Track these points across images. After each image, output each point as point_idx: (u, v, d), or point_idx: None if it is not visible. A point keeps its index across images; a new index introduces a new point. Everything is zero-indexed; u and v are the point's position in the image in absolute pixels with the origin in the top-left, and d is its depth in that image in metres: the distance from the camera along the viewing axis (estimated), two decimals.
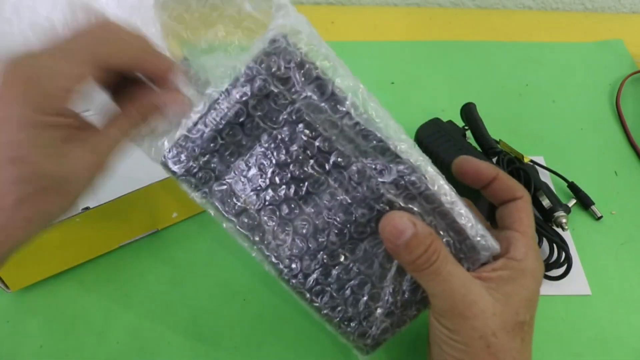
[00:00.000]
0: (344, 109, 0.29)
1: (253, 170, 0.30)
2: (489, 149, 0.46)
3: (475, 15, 0.70)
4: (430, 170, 0.29)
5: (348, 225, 0.29)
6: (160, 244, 0.44)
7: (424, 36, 0.66)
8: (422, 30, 0.67)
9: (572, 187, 0.48)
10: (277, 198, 0.30)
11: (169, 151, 0.30)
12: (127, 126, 0.29)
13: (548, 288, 0.42)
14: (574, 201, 0.47)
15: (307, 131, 0.29)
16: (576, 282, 0.42)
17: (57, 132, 0.25)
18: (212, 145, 0.29)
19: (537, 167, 0.48)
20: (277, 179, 0.30)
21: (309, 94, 0.29)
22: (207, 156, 0.30)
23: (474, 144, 0.47)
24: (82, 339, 0.39)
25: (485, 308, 0.28)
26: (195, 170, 0.30)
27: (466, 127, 0.49)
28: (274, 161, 0.29)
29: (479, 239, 0.29)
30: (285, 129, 0.29)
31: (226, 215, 0.30)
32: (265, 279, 0.42)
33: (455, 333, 0.28)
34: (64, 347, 0.38)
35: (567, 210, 0.44)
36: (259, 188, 0.30)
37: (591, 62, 0.62)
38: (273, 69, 0.28)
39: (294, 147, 0.29)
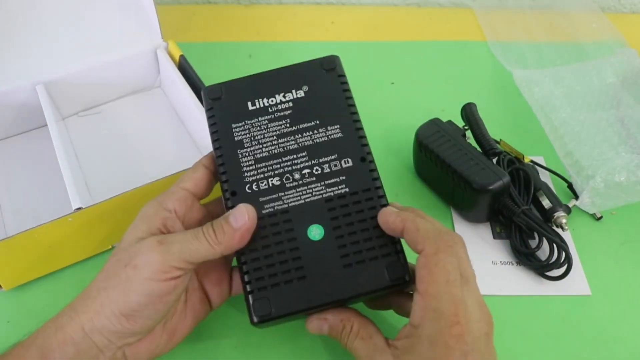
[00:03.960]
0: None
1: None
2: (489, 149, 0.46)
3: (475, 15, 0.70)
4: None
5: None
6: None
7: (423, 36, 0.66)
8: (422, 30, 0.67)
9: (572, 187, 0.48)
10: None
11: None
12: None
13: (548, 288, 0.42)
14: (574, 201, 0.47)
15: None
16: (576, 282, 0.42)
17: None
18: None
19: (537, 167, 0.48)
20: None
21: None
22: None
23: (474, 144, 0.47)
24: None
25: None
26: None
27: (466, 127, 0.49)
28: None
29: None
30: None
31: None
32: None
33: None
34: None
35: (568, 210, 0.44)
36: None
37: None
38: None
39: None
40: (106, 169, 0.48)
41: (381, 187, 0.33)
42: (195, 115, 0.47)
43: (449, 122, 0.48)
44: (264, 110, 0.35)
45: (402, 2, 0.73)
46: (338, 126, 0.34)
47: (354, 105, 0.35)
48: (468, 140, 0.46)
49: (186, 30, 0.65)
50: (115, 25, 0.52)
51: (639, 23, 0.71)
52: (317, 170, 0.34)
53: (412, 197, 0.48)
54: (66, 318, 0.30)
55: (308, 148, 0.34)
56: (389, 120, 0.55)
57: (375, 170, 0.34)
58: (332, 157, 0.34)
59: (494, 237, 0.45)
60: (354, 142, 0.34)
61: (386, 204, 0.33)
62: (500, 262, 0.43)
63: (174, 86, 0.51)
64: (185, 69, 0.50)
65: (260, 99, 0.35)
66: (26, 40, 0.50)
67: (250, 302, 0.31)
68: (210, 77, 0.49)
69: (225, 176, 0.34)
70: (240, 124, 0.35)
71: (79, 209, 0.38)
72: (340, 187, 0.33)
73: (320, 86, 0.35)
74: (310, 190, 0.33)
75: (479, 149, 0.47)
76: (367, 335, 0.31)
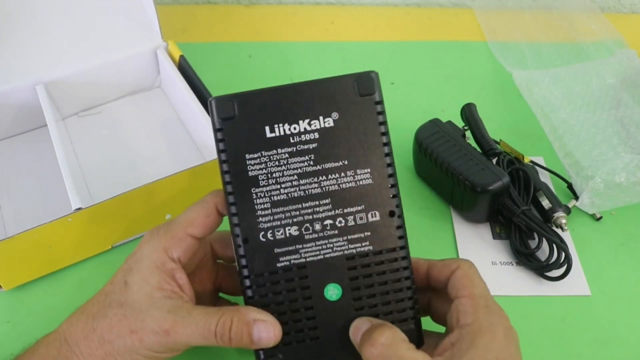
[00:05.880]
0: None
1: None
2: (488, 149, 0.46)
3: (474, 15, 0.70)
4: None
5: None
6: None
7: (423, 36, 0.66)
8: (422, 30, 0.67)
9: (572, 187, 0.48)
10: None
11: None
12: (214, 327, 0.29)
13: (548, 289, 0.42)
14: (574, 202, 0.47)
15: None
16: (576, 283, 0.42)
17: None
18: None
19: (537, 167, 0.48)
20: None
21: None
22: None
23: (474, 144, 0.47)
24: None
25: None
26: None
27: (466, 128, 0.49)
28: None
29: None
30: None
31: None
32: None
33: None
34: None
35: (567, 210, 0.44)
36: None
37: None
38: None
39: None
40: (106, 169, 0.48)
41: (406, 246, 0.31)
42: (195, 115, 0.47)
43: (449, 122, 0.48)
44: (284, 140, 0.30)
45: (402, 2, 0.73)
46: (369, 170, 0.30)
47: (389, 144, 0.31)
48: (468, 141, 0.46)
49: (186, 30, 0.65)
50: (115, 25, 0.52)
51: (639, 23, 0.71)
52: (340, 222, 0.30)
53: (412, 198, 0.48)
54: (69, 354, 0.30)
55: (332, 194, 0.30)
56: (389, 120, 0.54)
57: (402, 226, 0.31)
58: (359, 207, 0.30)
59: (494, 238, 0.45)
60: (385, 191, 0.30)
61: (408, 267, 0.31)
62: (500, 262, 0.43)
63: (174, 86, 0.51)
64: (185, 69, 0.50)
65: (281, 125, 0.30)
66: (26, 40, 0.50)
67: (261, 357, 0.30)
68: (210, 77, 0.49)
69: (237, 219, 0.30)
70: (255, 155, 0.30)
71: (79, 209, 0.38)
72: (363, 244, 0.30)
73: (353, 115, 0.30)
74: (331, 245, 0.30)
75: (478, 149, 0.47)
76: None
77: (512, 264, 0.43)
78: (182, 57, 0.50)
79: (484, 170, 0.42)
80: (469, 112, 0.49)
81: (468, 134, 0.49)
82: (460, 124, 0.49)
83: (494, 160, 0.46)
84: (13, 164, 0.48)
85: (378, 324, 0.29)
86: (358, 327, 0.29)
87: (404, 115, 0.55)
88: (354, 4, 0.72)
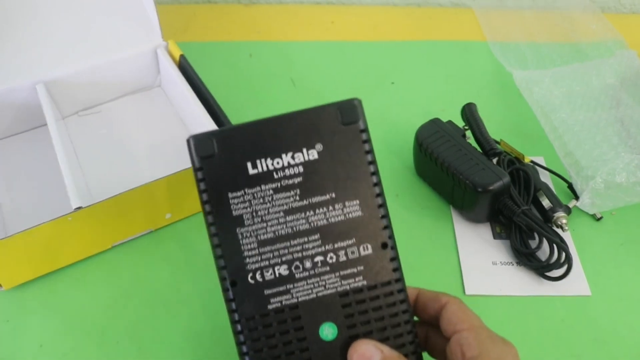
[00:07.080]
0: None
1: None
2: (489, 149, 0.46)
3: (475, 15, 0.70)
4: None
5: None
6: (157, 244, 0.44)
7: (424, 36, 0.66)
8: (422, 30, 0.67)
9: (572, 187, 0.48)
10: None
11: None
12: None
13: (548, 289, 0.42)
14: (574, 202, 0.47)
15: None
16: (576, 283, 0.42)
17: None
18: None
19: (537, 167, 0.48)
20: None
21: None
22: None
23: (474, 144, 0.47)
24: (82, 339, 0.39)
25: None
26: None
27: (466, 127, 0.49)
28: None
29: None
30: None
31: None
32: None
33: None
34: (64, 347, 0.38)
35: (568, 210, 0.44)
36: None
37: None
38: None
39: None
40: (106, 168, 0.48)
41: (402, 278, 0.29)
42: (195, 115, 0.47)
43: (449, 122, 0.48)
44: (268, 176, 0.28)
45: (402, 2, 0.73)
46: (357, 201, 0.29)
47: (376, 173, 0.29)
48: (468, 141, 0.46)
49: (186, 30, 0.65)
50: (115, 25, 0.52)
51: (639, 23, 0.71)
52: (331, 258, 0.29)
53: (412, 197, 0.48)
54: None
55: (321, 229, 0.29)
56: (389, 120, 0.55)
57: (396, 258, 0.29)
58: (350, 242, 0.29)
59: (494, 237, 0.45)
60: (375, 222, 0.29)
61: (405, 299, 0.29)
62: (500, 262, 0.43)
63: (174, 86, 0.51)
64: (185, 68, 0.50)
65: (263, 160, 0.28)
66: (26, 40, 0.50)
67: None
68: (210, 77, 0.49)
69: (223, 261, 0.28)
70: (238, 194, 0.28)
71: (79, 208, 0.38)
72: (357, 279, 0.29)
73: (338, 145, 0.29)
74: (323, 283, 0.29)
75: (479, 149, 0.47)
76: None
77: (513, 264, 0.43)
78: (182, 56, 0.50)
79: (485, 170, 0.42)
80: (469, 112, 0.49)
81: (468, 133, 0.49)
82: (460, 123, 0.49)
83: (495, 160, 0.46)
84: (13, 164, 0.48)
85: (394, 356, 0.28)
86: (367, 356, 0.28)
87: (404, 115, 0.55)
88: (354, 3, 0.72)
